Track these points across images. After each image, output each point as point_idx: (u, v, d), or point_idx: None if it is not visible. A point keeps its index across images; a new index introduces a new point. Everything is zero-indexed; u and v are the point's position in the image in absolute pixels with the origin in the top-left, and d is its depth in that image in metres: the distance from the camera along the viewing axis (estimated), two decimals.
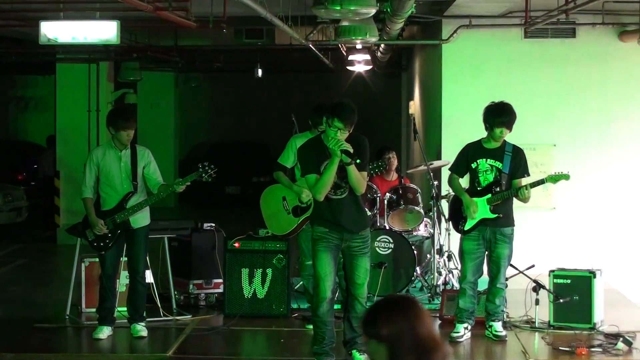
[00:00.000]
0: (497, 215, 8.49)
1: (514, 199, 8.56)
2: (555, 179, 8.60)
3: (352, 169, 7.40)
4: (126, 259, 8.93)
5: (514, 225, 8.63)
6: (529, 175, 8.65)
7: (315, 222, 7.71)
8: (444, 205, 10.60)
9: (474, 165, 8.61)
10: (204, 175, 8.57)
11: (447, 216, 9.84)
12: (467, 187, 8.70)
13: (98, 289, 8.88)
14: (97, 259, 9.39)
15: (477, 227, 8.55)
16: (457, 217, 8.73)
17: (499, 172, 8.53)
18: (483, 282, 8.79)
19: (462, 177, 8.76)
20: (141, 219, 8.73)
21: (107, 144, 8.82)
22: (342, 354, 7.84)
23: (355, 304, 7.68)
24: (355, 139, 7.53)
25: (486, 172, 8.57)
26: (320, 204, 7.61)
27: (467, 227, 8.59)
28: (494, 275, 8.58)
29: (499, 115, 8.47)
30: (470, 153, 8.65)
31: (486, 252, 8.61)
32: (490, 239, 8.55)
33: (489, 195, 8.51)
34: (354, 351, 7.72)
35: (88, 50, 16.26)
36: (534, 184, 8.52)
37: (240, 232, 9.69)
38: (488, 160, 8.58)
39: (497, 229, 8.53)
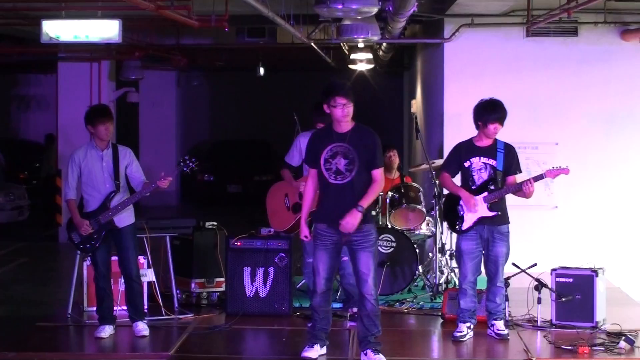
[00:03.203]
0: (495, 212, 8.48)
1: (513, 195, 8.55)
2: (554, 173, 8.56)
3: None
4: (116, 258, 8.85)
5: (509, 223, 8.62)
6: (520, 172, 8.66)
7: (315, 219, 7.74)
8: None
9: (467, 165, 8.58)
10: (185, 169, 8.59)
11: (442, 216, 9.82)
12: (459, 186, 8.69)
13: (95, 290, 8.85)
14: None
15: (475, 226, 8.53)
16: (453, 216, 8.70)
17: (494, 170, 8.52)
18: (482, 281, 8.77)
19: (454, 176, 8.74)
20: (125, 218, 8.67)
21: (89, 144, 8.73)
22: (339, 350, 7.85)
23: (365, 302, 7.64)
24: (365, 135, 7.64)
25: (480, 170, 8.55)
26: (321, 196, 7.67)
27: (464, 226, 8.57)
28: (493, 274, 8.56)
29: (493, 111, 8.47)
30: (463, 152, 8.63)
31: (482, 252, 8.60)
32: (488, 238, 8.52)
33: (486, 193, 8.50)
34: (368, 350, 7.68)
35: (90, 49, 16.28)
36: (535, 179, 8.51)
37: (242, 230, 9.69)
38: (481, 158, 8.55)
39: (494, 227, 8.51)
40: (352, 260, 7.67)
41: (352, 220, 7.47)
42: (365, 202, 7.54)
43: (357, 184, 7.58)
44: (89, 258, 9.45)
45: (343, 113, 7.54)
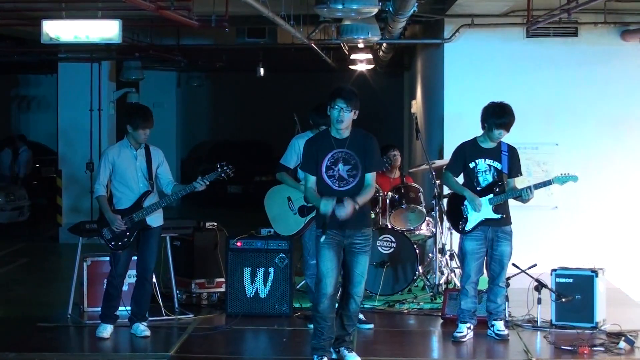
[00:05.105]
0: (500, 215, 8.48)
1: (513, 199, 8.57)
2: (562, 180, 8.57)
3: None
4: (135, 258, 8.87)
5: (512, 223, 8.63)
6: (521, 175, 8.67)
7: (319, 225, 7.61)
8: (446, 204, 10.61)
9: (472, 165, 8.57)
10: (222, 175, 8.65)
11: (445, 216, 9.82)
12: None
13: (104, 287, 8.86)
14: (99, 258, 9.43)
15: (479, 226, 8.53)
16: (457, 216, 8.69)
17: (498, 173, 8.51)
18: (482, 282, 8.78)
19: (457, 176, 8.74)
20: (157, 218, 8.76)
21: (122, 142, 8.76)
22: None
23: (351, 302, 7.67)
24: (364, 139, 7.59)
25: (485, 172, 8.55)
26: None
27: (468, 226, 8.56)
28: (496, 274, 8.56)
29: (500, 116, 8.43)
30: (467, 152, 8.62)
31: (486, 252, 8.59)
32: (493, 238, 8.53)
33: (491, 196, 8.49)
34: (342, 348, 7.70)
35: (90, 50, 16.27)
36: (539, 185, 8.51)
37: (242, 231, 9.69)
38: (486, 160, 8.55)
39: (499, 227, 8.53)
40: (349, 262, 7.63)
41: (348, 209, 7.37)
42: (361, 200, 7.49)
43: (360, 190, 7.56)
44: (89, 259, 9.48)
45: (338, 117, 7.46)
